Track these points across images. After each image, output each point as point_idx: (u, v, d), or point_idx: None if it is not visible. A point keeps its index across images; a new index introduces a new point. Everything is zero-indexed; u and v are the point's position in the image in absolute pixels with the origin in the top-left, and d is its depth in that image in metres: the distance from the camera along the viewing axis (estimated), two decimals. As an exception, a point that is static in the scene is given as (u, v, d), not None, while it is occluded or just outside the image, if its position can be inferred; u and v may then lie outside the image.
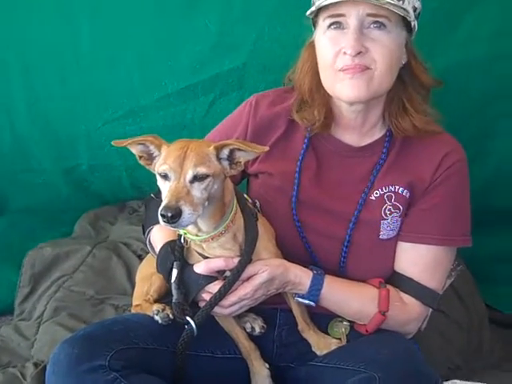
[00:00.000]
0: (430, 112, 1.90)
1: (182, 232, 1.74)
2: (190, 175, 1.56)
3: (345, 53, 1.76)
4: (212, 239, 1.71)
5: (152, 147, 1.65)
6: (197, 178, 1.57)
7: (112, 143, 1.65)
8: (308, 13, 1.82)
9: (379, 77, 1.78)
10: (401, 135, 1.90)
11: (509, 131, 2.79)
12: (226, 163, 1.65)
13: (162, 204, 1.52)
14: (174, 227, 1.55)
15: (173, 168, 1.56)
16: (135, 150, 1.67)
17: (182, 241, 1.79)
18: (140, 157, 1.67)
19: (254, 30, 2.70)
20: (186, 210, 1.52)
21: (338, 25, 1.78)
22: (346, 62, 1.76)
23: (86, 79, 2.93)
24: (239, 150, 1.64)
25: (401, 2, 1.72)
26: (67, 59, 2.89)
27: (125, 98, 2.97)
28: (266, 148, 1.65)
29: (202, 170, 1.57)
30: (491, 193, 2.91)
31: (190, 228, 1.69)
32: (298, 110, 1.98)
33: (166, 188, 1.58)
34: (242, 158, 1.65)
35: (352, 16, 1.73)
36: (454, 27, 2.52)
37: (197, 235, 1.71)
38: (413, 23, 1.80)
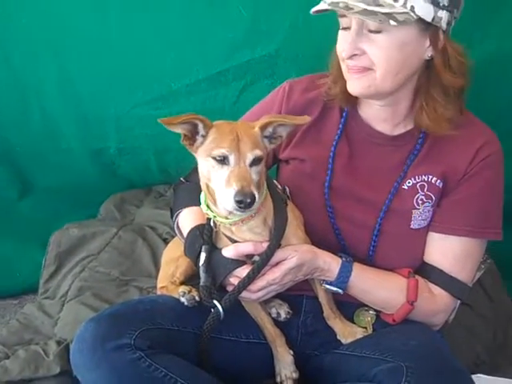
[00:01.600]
0: (452, 116, 1.84)
1: (211, 215, 1.74)
2: (249, 159, 1.57)
3: None
4: (242, 222, 1.70)
5: (201, 127, 1.63)
6: (255, 162, 1.58)
7: (159, 121, 1.57)
8: (313, 10, 1.78)
9: (381, 77, 1.75)
10: (422, 130, 1.88)
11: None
12: (266, 140, 1.68)
13: (234, 190, 1.53)
14: (245, 213, 1.59)
15: (233, 151, 1.56)
16: (181, 129, 1.63)
17: (212, 224, 1.78)
18: (185, 136, 1.65)
19: (287, 18, 2.68)
20: (257, 195, 1.54)
21: (345, 25, 1.76)
22: (349, 62, 1.78)
23: (116, 61, 2.92)
24: (281, 124, 1.66)
25: (398, 5, 1.66)
26: (99, 41, 2.89)
27: (155, 82, 2.96)
28: (308, 118, 1.71)
29: (258, 152, 1.59)
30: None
31: (222, 210, 1.69)
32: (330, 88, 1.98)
33: (223, 173, 1.58)
34: (283, 132, 1.69)
35: (352, 19, 1.72)
36: (492, 17, 2.48)
37: (227, 218, 1.71)
38: (429, 17, 1.70)
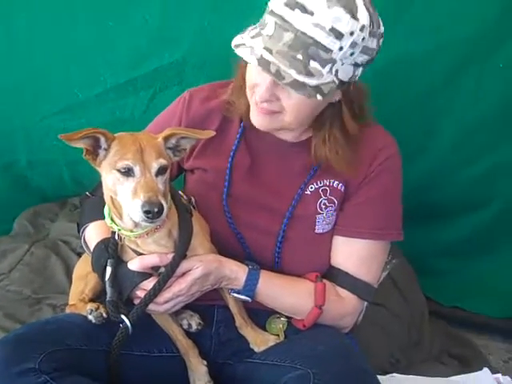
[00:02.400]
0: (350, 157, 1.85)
1: (116, 229, 1.71)
2: (155, 168, 1.56)
3: None
4: (147, 235, 1.68)
5: (103, 140, 1.60)
6: (160, 171, 1.57)
7: (60, 137, 1.52)
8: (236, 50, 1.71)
9: (288, 121, 1.77)
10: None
11: (447, 128, 2.83)
12: (170, 152, 1.67)
13: (141, 200, 1.52)
14: (154, 223, 1.57)
15: (137, 162, 1.55)
16: (83, 143, 1.59)
17: (116, 237, 1.75)
18: (87, 151, 1.61)
19: (193, 24, 2.68)
20: (165, 204, 1.53)
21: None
22: (257, 98, 1.76)
23: (21, 72, 2.87)
24: (184, 137, 1.65)
25: (325, 71, 1.63)
26: (2, 51, 2.83)
27: (63, 92, 2.91)
28: (213, 133, 1.70)
29: (163, 162, 1.58)
30: (431, 187, 2.96)
31: (127, 223, 1.66)
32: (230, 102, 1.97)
33: (129, 185, 1.56)
34: (187, 144, 1.69)
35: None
36: (395, 20, 2.52)
37: (132, 231, 1.68)
38: (347, 77, 1.70)
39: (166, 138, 1.65)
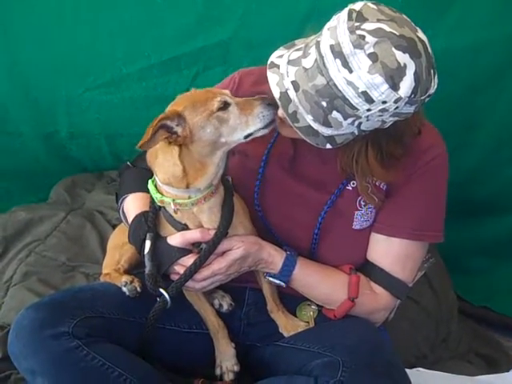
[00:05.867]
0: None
1: (169, 200, 1.71)
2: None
3: None
4: (204, 199, 1.70)
5: (169, 122, 1.62)
6: None
7: (137, 147, 1.56)
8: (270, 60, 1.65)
9: None
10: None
11: (492, 123, 2.80)
12: None
13: (259, 102, 1.64)
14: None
15: (224, 93, 1.67)
16: (159, 138, 1.61)
17: (173, 207, 1.73)
18: (165, 139, 1.62)
19: (241, 5, 2.67)
20: None
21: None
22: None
23: (67, 45, 2.88)
24: None
25: (346, 123, 1.53)
26: (49, 23, 2.84)
27: (107, 66, 2.92)
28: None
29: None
30: (471, 185, 2.93)
31: (182, 193, 1.68)
32: None
33: (233, 110, 1.64)
34: None
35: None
36: (441, 15, 2.51)
37: (189, 197, 1.69)
38: (375, 126, 1.58)
39: None
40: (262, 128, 1.65)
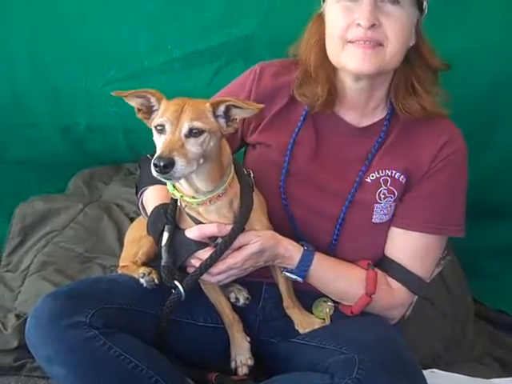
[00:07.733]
0: (439, 93, 1.87)
1: (178, 196, 1.73)
2: (185, 129, 1.55)
3: (358, 24, 1.73)
4: (210, 202, 1.70)
5: (153, 100, 1.64)
6: (192, 133, 1.56)
7: (112, 93, 1.63)
8: None
9: (390, 54, 1.76)
10: (407, 116, 1.86)
11: (512, 123, 2.78)
12: (222, 121, 1.65)
13: (156, 154, 1.51)
14: (166, 178, 1.54)
15: (170, 121, 1.56)
16: (135, 102, 1.65)
17: (179, 204, 1.76)
18: (139, 110, 1.66)
19: (265, 2, 2.67)
20: (179, 162, 1.51)
21: None
22: (358, 33, 1.74)
23: (90, 37, 2.89)
24: (235, 107, 1.64)
25: None
26: (72, 14, 2.86)
27: (129, 59, 2.93)
28: (261, 106, 1.65)
29: (197, 124, 1.56)
30: (489, 185, 2.91)
31: (187, 189, 1.68)
32: (299, 85, 1.93)
33: (161, 141, 1.57)
34: (237, 115, 1.65)
35: None
36: (463, 14, 2.51)
37: (194, 197, 1.70)
38: (424, 3, 1.78)
39: (215, 105, 1.64)
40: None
